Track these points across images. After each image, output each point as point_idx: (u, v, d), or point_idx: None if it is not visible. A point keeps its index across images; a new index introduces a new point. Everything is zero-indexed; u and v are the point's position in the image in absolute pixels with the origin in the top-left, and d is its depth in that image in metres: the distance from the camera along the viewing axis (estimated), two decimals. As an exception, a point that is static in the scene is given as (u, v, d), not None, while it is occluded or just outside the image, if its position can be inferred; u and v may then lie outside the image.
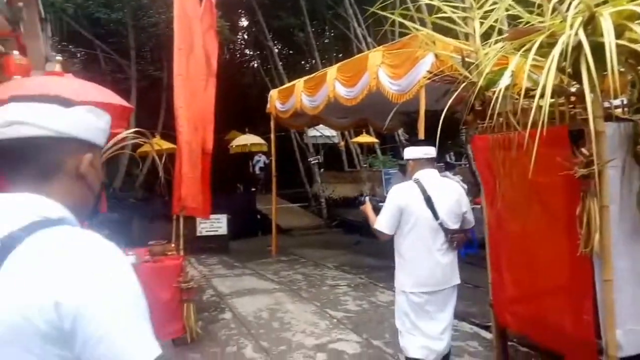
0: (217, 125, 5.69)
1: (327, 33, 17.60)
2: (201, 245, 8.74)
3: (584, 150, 2.00)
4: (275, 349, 4.26)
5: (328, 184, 14.21)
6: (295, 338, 4.51)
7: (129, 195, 11.89)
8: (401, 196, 3.05)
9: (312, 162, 14.04)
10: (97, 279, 0.79)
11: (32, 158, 0.89)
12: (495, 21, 2.50)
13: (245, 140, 14.34)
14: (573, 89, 2.20)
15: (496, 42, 2.44)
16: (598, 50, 1.77)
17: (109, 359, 0.78)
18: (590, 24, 1.85)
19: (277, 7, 14.97)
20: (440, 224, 2.99)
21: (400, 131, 12.21)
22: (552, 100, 2.06)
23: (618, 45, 1.71)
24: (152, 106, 13.15)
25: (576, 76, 1.97)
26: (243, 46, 20.25)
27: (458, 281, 3.12)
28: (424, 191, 3.01)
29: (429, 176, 3.09)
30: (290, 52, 18.98)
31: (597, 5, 1.86)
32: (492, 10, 2.48)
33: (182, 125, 4.82)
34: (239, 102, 15.09)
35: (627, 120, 2.11)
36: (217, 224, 9.14)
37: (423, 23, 2.75)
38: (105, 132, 1.01)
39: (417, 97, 4.86)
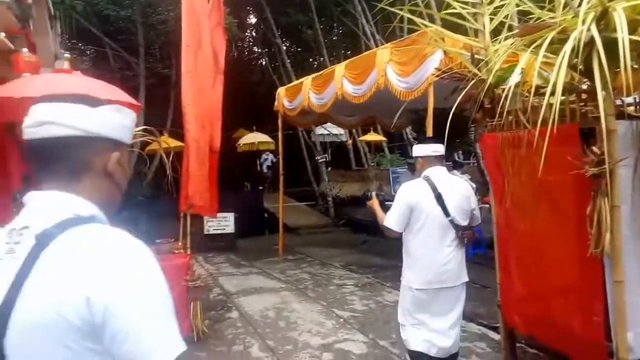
0: (225, 123, 5.68)
1: (336, 30, 17.56)
2: (208, 243, 8.77)
3: (595, 148, 1.96)
4: (281, 348, 4.26)
5: (335, 183, 14.19)
6: (301, 337, 4.50)
7: (137, 193, 11.95)
8: (411, 194, 3.05)
9: (320, 160, 14.02)
10: (126, 277, 0.82)
11: (62, 157, 0.92)
12: (505, 17, 2.46)
13: (253, 138, 14.34)
14: (584, 86, 2.16)
15: (506, 38, 2.40)
16: (611, 46, 1.73)
17: (135, 353, 0.80)
18: (603, 20, 1.80)
19: (285, 4, 14.94)
20: (451, 221, 3.00)
21: (408, 129, 12.15)
22: (563, 97, 2.02)
23: (631, 41, 1.67)
24: (160, 104, 13.18)
25: (588, 73, 1.93)
26: (251, 43, 20.26)
27: (466, 279, 3.12)
28: (434, 188, 3.01)
29: (439, 173, 3.10)
30: (299, 49, 18.96)
31: (610, 0, 1.82)
32: (502, 6, 2.44)
33: (190, 123, 4.82)
34: (247, 100, 15.09)
35: (640, 118, 2.07)
36: (224, 222, 9.16)
37: (432, 19, 2.72)
38: (131, 130, 1.03)
39: (426, 95, 4.83)
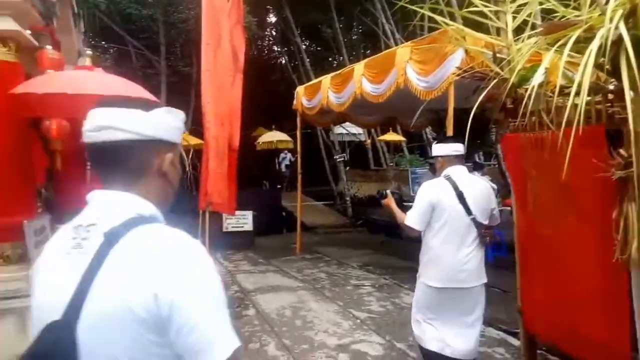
0: (244, 121, 5.71)
1: (355, 29, 17.49)
2: (227, 240, 8.83)
3: (621, 151, 1.90)
4: (297, 347, 4.25)
5: (353, 183, 14.14)
6: (317, 337, 4.48)
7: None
8: (433, 192, 3.06)
9: (338, 159, 13.99)
10: (189, 274, 0.89)
11: (121, 160, 0.98)
12: (529, 15, 2.39)
13: (272, 137, 14.40)
14: (611, 87, 2.09)
15: (529, 37, 2.34)
16: (639, 45, 1.66)
17: (200, 345, 0.87)
18: (632, 18, 1.74)
19: (305, 3, 14.94)
20: (473, 220, 3.00)
21: (428, 129, 12.02)
22: (589, 98, 1.96)
23: (662, 40, 1.60)
24: (181, 102, 13.31)
25: (615, 73, 1.86)
26: (271, 42, 20.35)
27: (485, 280, 3.10)
28: (455, 187, 3.01)
29: (459, 172, 3.10)
30: (318, 48, 18.97)
31: (641, -3, 1.75)
32: (525, 4, 2.37)
33: (209, 121, 4.86)
34: (266, 99, 15.17)
35: (670, 119, 1.98)
36: (242, 220, 9.21)
37: (453, 17, 2.67)
38: (181, 130, 1.08)
39: (446, 94, 4.76)
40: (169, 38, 13.59)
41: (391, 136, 14.54)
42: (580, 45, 1.86)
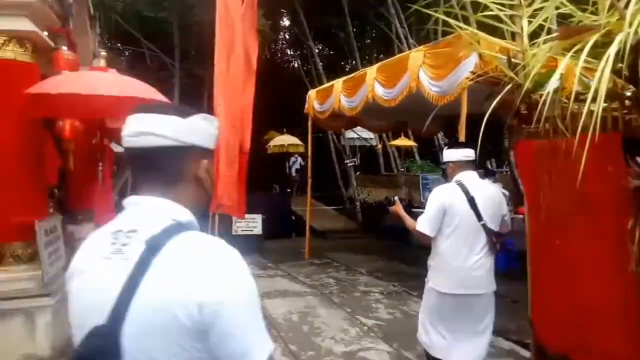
0: (256, 124, 5.71)
1: (368, 33, 17.48)
2: (236, 244, 8.75)
3: (639, 159, 1.86)
4: (303, 353, 4.22)
5: (364, 188, 14.07)
6: (324, 344, 4.45)
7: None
8: (445, 197, 3.03)
9: (349, 164, 13.95)
10: (231, 282, 0.92)
11: (159, 165, 1.00)
12: (545, 20, 2.36)
13: (283, 140, 14.41)
14: (628, 93, 2.05)
15: (545, 42, 2.30)
16: (659, 51, 1.63)
17: (239, 351, 0.91)
18: (652, 23, 1.70)
19: (319, 7, 14.97)
20: (483, 225, 2.96)
21: (440, 135, 11.94)
22: (605, 104, 1.92)
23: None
24: (194, 104, 13.44)
25: (633, 79, 1.83)
26: (284, 46, 20.42)
27: (494, 288, 3.07)
28: (466, 192, 2.98)
29: (470, 178, 3.08)
30: (331, 52, 19.00)
31: (661, 1, 1.71)
32: (541, 8, 2.34)
33: (221, 124, 4.86)
34: (278, 102, 15.20)
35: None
36: (252, 224, 9.20)
37: (467, 22, 2.64)
38: (216, 137, 1.10)
39: (459, 100, 4.71)
40: (183, 41, 13.71)
41: (402, 141, 14.46)
42: (597, 51, 1.83)
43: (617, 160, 1.95)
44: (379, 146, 15.21)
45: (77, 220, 4.73)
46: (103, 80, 3.26)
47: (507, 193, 6.89)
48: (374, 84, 6.17)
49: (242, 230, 9.18)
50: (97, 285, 0.95)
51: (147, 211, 0.99)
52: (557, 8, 2.30)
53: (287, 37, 19.67)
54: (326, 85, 8.44)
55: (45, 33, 3.77)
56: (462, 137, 4.67)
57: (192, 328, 0.88)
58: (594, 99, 1.72)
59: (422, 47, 5.54)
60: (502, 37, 2.61)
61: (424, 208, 3.19)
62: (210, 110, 6.80)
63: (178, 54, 13.76)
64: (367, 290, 6.47)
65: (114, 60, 11.85)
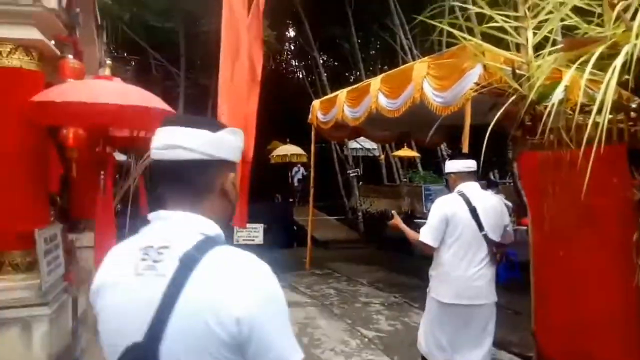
0: (259, 134, 5.71)
1: (373, 44, 17.57)
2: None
3: (645, 171, 1.84)
4: (303, 364, 4.18)
5: (366, 198, 14.04)
6: (324, 356, 4.41)
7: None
8: (447, 207, 3.05)
9: (351, 174, 13.94)
10: (266, 296, 0.94)
11: (188, 179, 1.01)
12: (550, 32, 2.36)
13: (286, 150, 14.42)
14: (634, 105, 2.04)
15: (550, 53, 2.30)
16: (665, 63, 1.62)
17: None
18: (658, 35, 1.69)
19: (324, 18, 15.07)
20: (485, 235, 2.98)
21: (443, 146, 11.94)
22: (611, 116, 1.91)
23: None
24: (199, 113, 13.50)
25: (639, 90, 1.82)
26: (289, 57, 20.54)
27: (495, 298, 3.07)
28: (468, 202, 3.00)
29: (472, 188, 3.10)
30: (335, 63, 19.10)
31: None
32: (546, 20, 2.34)
33: (224, 132, 4.86)
34: (282, 112, 15.25)
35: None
36: (253, 234, 9.17)
37: (472, 33, 2.64)
38: (241, 150, 1.11)
39: (463, 110, 4.71)
40: (189, 50, 13.81)
41: (405, 152, 14.45)
42: (603, 62, 1.82)
43: (623, 172, 1.94)
44: (382, 156, 15.21)
45: (79, 228, 4.73)
46: (107, 88, 3.27)
47: (509, 204, 6.87)
48: (378, 94, 6.18)
49: (243, 240, 9.14)
50: (131, 301, 0.95)
51: (177, 226, 0.99)
52: (562, 20, 2.31)
53: (292, 47, 19.79)
54: (330, 95, 8.47)
55: (52, 42, 3.79)
56: (465, 148, 4.66)
57: (230, 342, 0.90)
58: (599, 111, 1.71)
59: (426, 58, 5.55)
60: (507, 48, 2.61)
61: (426, 219, 3.20)
62: (213, 118, 6.82)
63: (184, 64, 13.85)
64: (368, 302, 6.42)
65: (120, 69, 11.93)
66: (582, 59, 1.89)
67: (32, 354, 3.28)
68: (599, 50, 1.75)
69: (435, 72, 5.08)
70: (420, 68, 5.34)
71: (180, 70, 13.83)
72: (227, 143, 1.04)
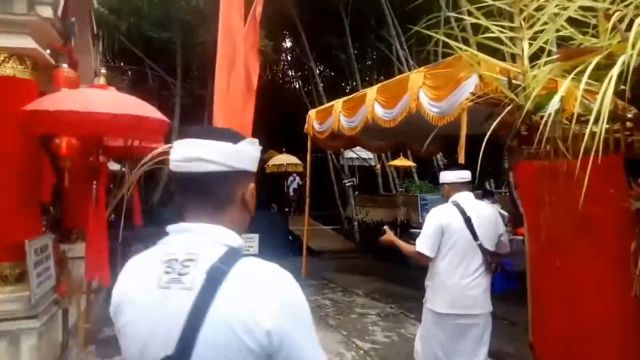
0: (255, 143, 5.69)
1: (369, 55, 17.67)
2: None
3: (642, 181, 1.84)
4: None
5: (362, 208, 14.02)
6: (320, 366, 4.35)
7: (167, 211, 12.10)
8: (442, 216, 3.08)
9: (347, 184, 13.94)
10: (293, 307, 0.97)
11: (211, 190, 1.02)
12: (545, 42, 2.37)
13: (282, 160, 14.42)
14: (630, 115, 2.04)
15: (545, 63, 2.30)
16: (660, 73, 1.62)
17: None
18: (653, 45, 1.69)
19: (321, 28, 15.15)
20: (480, 245, 3.00)
21: (439, 155, 11.96)
22: (607, 126, 1.90)
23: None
24: (194, 124, 13.49)
25: (636, 100, 1.82)
26: (285, 67, 20.62)
27: (491, 308, 3.08)
28: (463, 212, 3.03)
29: (466, 199, 3.13)
30: (332, 73, 19.18)
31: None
32: (542, 31, 2.35)
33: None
34: (278, 122, 15.27)
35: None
36: (249, 243, 9.05)
37: (467, 43, 2.65)
38: (258, 159, 1.12)
39: (459, 120, 4.71)
40: (186, 61, 13.83)
41: (401, 161, 14.49)
42: (598, 73, 1.82)
43: (619, 182, 1.94)
44: (378, 166, 15.23)
45: (71, 239, 4.68)
46: (101, 98, 3.24)
47: (505, 214, 6.87)
48: (374, 104, 6.18)
49: (239, 250, 9.08)
50: (156, 315, 0.95)
51: (201, 238, 0.99)
52: (557, 31, 2.31)
53: (289, 58, 19.87)
54: (326, 105, 8.47)
55: (48, 51, 3.78)
56: (461, 158, 4.65)
57: (260, 353, 0.92)
58: (596, 120, 1.70)
59: (422, 68, 5.57)
60: (503, 59, 2.62)
61: (422, 228, 3.19)
62: (209, 129, 6.77)
63: (180, 74, 13.86)
64: (364, 312, 6.37)
65: (116, 79, 11.93)
66: (578, 69, 1.90)
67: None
68: (595, 60, 1.75)
69: (431, 82, 5.09)
70: (416, 78, 5.35)
71: (177, 80, 13.83)
72: (247, 154, 1.05)
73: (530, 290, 2.78)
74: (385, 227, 3.42)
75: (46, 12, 3.45)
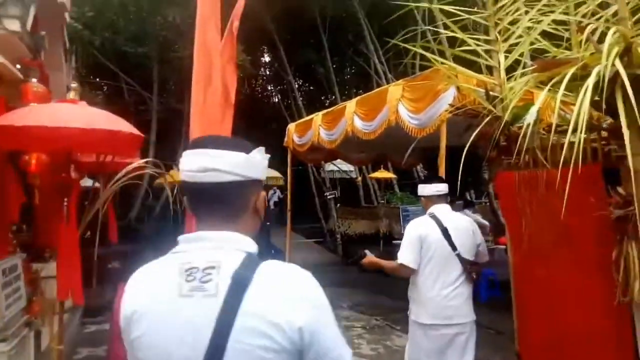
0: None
1: (348, 69, 17.82)
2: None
3: (620, 189, 1.85)
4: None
5: (344, 220, 13.99)
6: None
7: (146, 227, 11.87)
8: (421, 227, 3.12)
9: (329, 197, 13.91)
10: (319, 303, 1.02)
11: (225, 199, 1.04)
12: (521, 55, 2.40)
13: (262, 173, 14.30)
14: (605, 125, 2.06)
15: (522, 75, 2.33)
16: (635, 83, 1.64)
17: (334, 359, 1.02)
18: (627, 56, 1.72)
19: (299, 43, 15.23)
20: (458, 255, 3.03)
21: (420, 167, 12.04)
22: (584, 136, 1.92)
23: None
24: (172, 138, 13.32)
25: (611, 110, 1.83)
26: (264, 81, 20.62)
27: (474, 317, 3.10)
28: (440, 223, 3.08)
29: (443, 211, 3.19)
30: (311, 87, 19.26)
31: (634, 36, 1.74)
32: (517, 44, 2.38)
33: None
34: (258, 136, 15.16)
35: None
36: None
37: (444, 56, 2.67)
38: (267, 168, 1.15)
39: (438, 132, 4.74)
40: (162, 75, 13.70)
41: (382, 174, 14.53)
42: (574, 84, 1.84)
43: (599, 190, 1.95)
44: (359, 178, 15.25)
45: (44, 257, 4.51)
46: (71, 112, 3.13)
47: (487, 223, 6.92)
48: (353, 117, 6.18)
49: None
50: (179, 323, 0.95)
51: (220, 246, 1.02)
52: (532, 43, 2.35)
53: (268, 72, 19.89)
54: (306, 118, 8.46)
55: (18, 66, 3.67)
56: (441, 170, 4.67)
57: (293, 350, 0.96)
58: (573, 131, 1.71)
59: (400, 81, 5.60)
60: (479, 71, 2.64)
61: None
62: (187, 142, 6.70)
63: (156, 89, 13.71)
64: (349, 325, 6.31)
65: (91, 94, 11.72)
66: (553, 81, 1.91)
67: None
68: (570, 71, 1.77)
69: (409, 94, 5.11)
70: (394, 91, 5.37)
71: (153, 94, 13.68)
72: (259, 163, 1.09)
73: (514, 299, 2.78)
74: (366, 250, 3.44)
75: (13, 25, 3.36)
